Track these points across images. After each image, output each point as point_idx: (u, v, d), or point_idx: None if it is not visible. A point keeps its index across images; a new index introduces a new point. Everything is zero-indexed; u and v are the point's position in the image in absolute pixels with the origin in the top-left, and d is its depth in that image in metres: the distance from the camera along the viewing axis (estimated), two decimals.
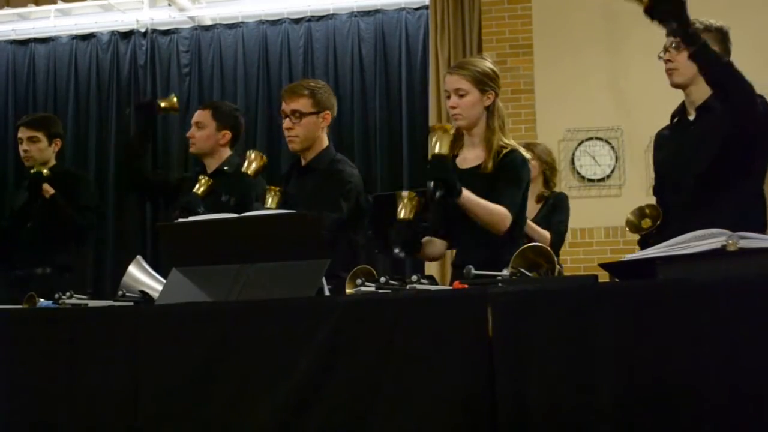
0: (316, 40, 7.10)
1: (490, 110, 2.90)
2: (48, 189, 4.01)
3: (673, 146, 2.99)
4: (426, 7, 6.77)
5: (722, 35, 2.92)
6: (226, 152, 3.78)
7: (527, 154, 2.92)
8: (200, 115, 3.78)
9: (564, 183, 6.20)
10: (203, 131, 3.74)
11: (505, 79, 6.19)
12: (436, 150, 2.64)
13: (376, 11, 7.01)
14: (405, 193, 2.69)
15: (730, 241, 1.77)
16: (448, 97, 2.93)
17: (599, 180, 6.12)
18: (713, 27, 2.90)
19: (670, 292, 1.73)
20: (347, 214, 3.16)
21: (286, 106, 3.27)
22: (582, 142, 6.22)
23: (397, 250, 2.69)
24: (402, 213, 2.67)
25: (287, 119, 3.26)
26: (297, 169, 3.37)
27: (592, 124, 6.12)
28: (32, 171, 4.07)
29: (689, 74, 2.86)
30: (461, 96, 2.88)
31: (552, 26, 6.33)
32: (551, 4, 6.37)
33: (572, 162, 6.23)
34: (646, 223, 2.76)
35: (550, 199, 4.19)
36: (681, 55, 2.84)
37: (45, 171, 4.06)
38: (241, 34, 7.25)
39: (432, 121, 6.45)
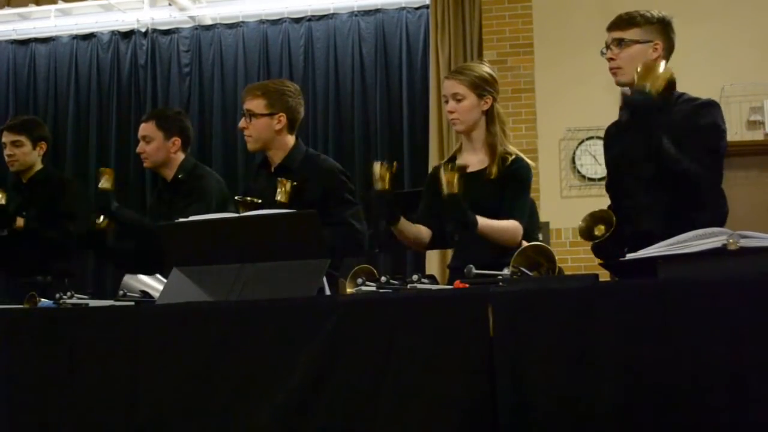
0: (316, 39, 7.11)
1: (488, 115, 2.93)
2: (19, 225, 3.90)
3: (618, 148, 2.80)
4: (426, 7, 6.78)
5: (664, 26, 2.73)
6: (180, 158, 3.67)
7: (531, 162, 2.96)
8: (145, 129, 3.66)
9: (565, 182, 6.20)
10: (152, 144, 3.62)
11: (505, 78, 6.20)
12: (446, 190, 2.63)
13: (377, 11, 7.02)
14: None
15: (730, 240, 1.77)
16: (446, 102, 2.96)
17: (600, 179, 6.11)
18: (654, 18, 2.73)
19: (671, 291, 1.72)
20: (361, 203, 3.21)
21: (243, 105, 3.25)
22: (582, 141, 6.22)
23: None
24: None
25: (243, 118, 3.24)
26: (267, 170, 3.31)
27: (593, 123, 6.11)
28: None
29: (634, 71, 2.66)
30: (458, 101, 2.92)
31: (552, 25, 6.33)
32: (551, 3, 6.37)
33: (573, 161, 6.24)
34: (600, 230, 2.64)
35: None
36: (624, 52, 2.72)
37: (2, 201, 3.87)
38: (241, 34, 7.26)
39: (433, 120, 6.45)
